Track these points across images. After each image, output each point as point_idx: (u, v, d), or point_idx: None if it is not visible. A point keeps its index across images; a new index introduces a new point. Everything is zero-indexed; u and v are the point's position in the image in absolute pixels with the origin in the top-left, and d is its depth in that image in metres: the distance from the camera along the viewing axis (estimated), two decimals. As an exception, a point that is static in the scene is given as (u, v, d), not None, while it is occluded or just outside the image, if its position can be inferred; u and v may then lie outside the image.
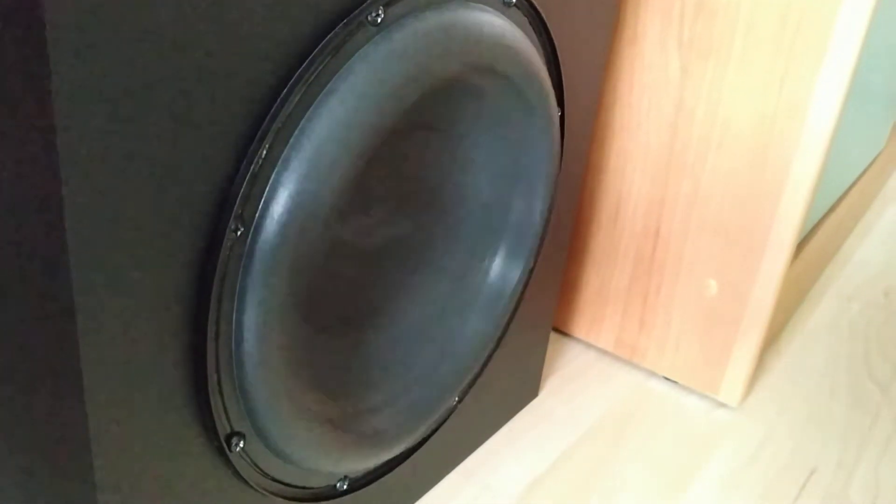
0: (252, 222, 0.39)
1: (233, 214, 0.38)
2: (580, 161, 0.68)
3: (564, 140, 0.64)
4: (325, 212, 0.41)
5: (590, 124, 0.67)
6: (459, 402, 0.64)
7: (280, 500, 0.50)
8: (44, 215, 0.33)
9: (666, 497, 0.70)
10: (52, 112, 0.30)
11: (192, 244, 0.38)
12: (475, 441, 0.72)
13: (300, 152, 0.39)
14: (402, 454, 0.61)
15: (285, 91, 0.38)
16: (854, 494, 0.72)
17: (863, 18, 0.64)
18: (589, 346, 0.90)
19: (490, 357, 0.65)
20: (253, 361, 0.42)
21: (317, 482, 0.53)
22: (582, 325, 0.89)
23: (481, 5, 0.48)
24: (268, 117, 0.38)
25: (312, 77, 0.39)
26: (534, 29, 0.55)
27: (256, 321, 0.40)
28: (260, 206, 0.39)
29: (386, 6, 0.42)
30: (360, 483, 0.57)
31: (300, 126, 0.39)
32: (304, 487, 0.52)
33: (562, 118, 0.62)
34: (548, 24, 0.55)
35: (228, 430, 0.44)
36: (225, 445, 0.44)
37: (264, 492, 0.48)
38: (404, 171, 0.58)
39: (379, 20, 0.41)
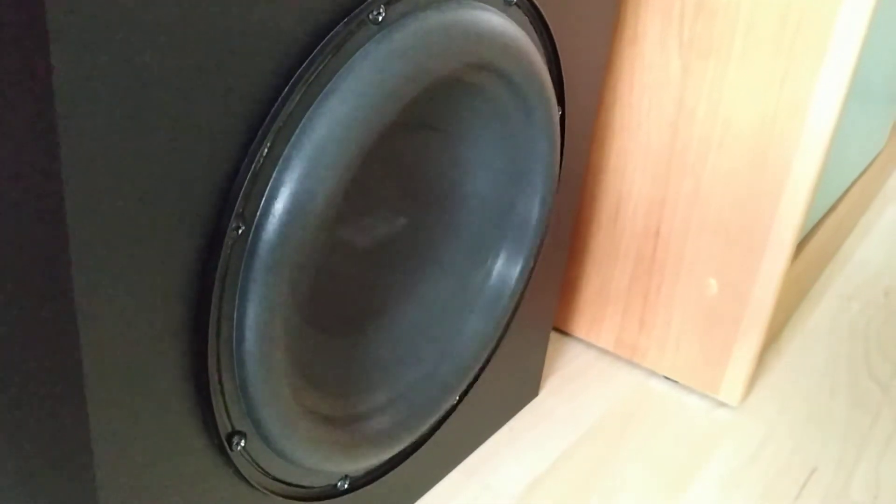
0: (253, 221, 0.39)
1: (234, 213, 0.38)
2: (580, 160, 0.68)
3: (565, 139, 0.64)
4: (326, 210, 0.41)
5: (590, 124, 0.67)
6: (460, 401, 0.64)
7: (281, 499, 0.50)
8: (44, 215, 0.33)
9: (666, 496, 0.70)
10: (54, 112, 0.30)
11: (193, 243, 0.38)
12: (475, 440, 0.72)
13: (301, 151, 0.39)
14: (402, 453, 0.61)
15: (286, 90, 0.38)
16: (854, 494, 0.72)
17: (863, 18, 0.64)
18: (589, 345, 0.90)
19: (490, 357, 0.65)
20: (254, 360, 0.42)
21: (318, 481, 0.53)
22: (582, 324, 0.89)
23: (482, 4, 0.48)
24: (269, 116, 0.38)
25: (313, 76, 0.39)
26: (534, 28, 0.55)
27: (257, 320, 0.40)
28: (261, 205, 0.39)
29: (387, 5, 0.42)
30: (360, 482, 0.57)
31: (301, 125, 0.39)
32: (304, 486, 0.52)
33: (562, 117, 0.62)
34: (548, 24, 0.56)
35: (229, 430, 0.44)
36: (226, 444, 0.44)
37: (265, 491, 0.48)
38: (405, 170, 0.58)
39: (380, 19, 0.41)
